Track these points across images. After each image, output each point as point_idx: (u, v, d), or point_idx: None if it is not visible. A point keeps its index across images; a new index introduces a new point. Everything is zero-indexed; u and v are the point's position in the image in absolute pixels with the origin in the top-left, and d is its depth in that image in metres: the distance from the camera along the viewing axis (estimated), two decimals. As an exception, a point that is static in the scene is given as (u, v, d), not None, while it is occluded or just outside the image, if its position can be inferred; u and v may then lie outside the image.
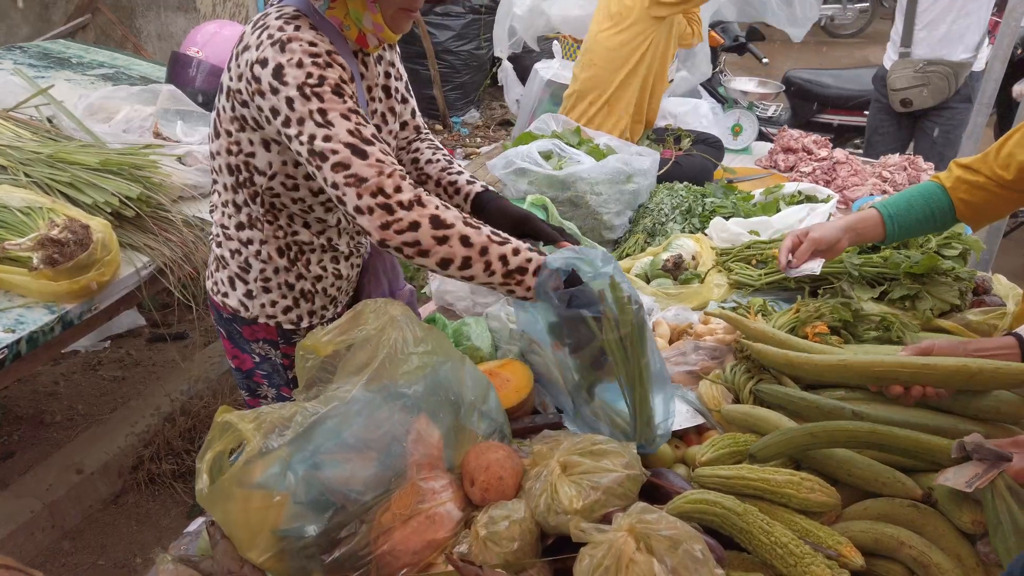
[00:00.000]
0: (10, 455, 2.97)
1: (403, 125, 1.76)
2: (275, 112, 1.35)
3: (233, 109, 1.45)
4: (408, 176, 1.33)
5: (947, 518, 1.16)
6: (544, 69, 4.31)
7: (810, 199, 2.53)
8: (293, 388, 1.79)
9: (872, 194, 2.79)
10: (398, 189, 1.30)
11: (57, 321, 1.85)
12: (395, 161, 1.33)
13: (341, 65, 1.38)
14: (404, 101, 1.73)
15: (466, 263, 1.31)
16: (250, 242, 1.62)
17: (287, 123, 1.34)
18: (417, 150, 1.78)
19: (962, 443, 1.13)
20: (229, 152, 1.52)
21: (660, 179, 2.68)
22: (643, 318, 1.32)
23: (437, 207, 1.31)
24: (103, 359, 3.57)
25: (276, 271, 1.65)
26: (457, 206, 1.68)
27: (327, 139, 1.30)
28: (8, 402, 3.22)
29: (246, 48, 1.38)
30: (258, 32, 1.38)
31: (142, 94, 2.82)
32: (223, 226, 1.65)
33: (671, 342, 1.78)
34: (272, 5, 1.45)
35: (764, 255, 2.05)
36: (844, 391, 1.53)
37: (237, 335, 1.75)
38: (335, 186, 1.31)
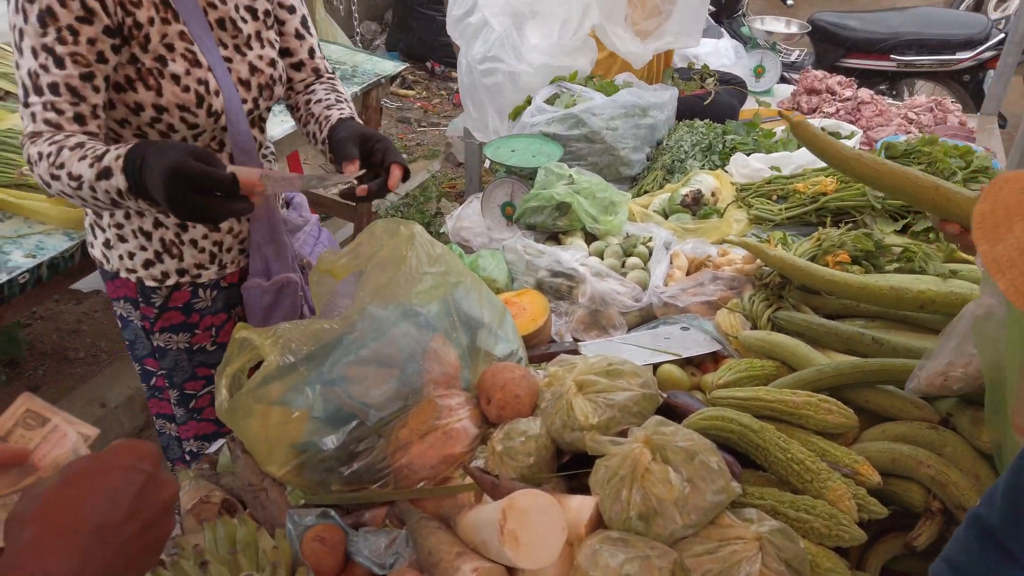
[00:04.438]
0: (35, 388, 3.03)
1: (299, 65, 1.63)
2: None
3: None
4: (48, 133, 1.28)
5: (965, 439, 1.16)
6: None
7: (833, 135, 2.47)
8: (160, 359, 1.63)
9: (897, 134, 2.72)
10: (21, 145, 1.31)
11: (77, 248, 1.86)
12: (50, 115, 1.28)
13: None
14: (300, 37, 1.60)
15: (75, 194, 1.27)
16: None
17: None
18: (312, 91, 1.64)
19: None
20: None
21: (679, 117, 2.63)
22: None
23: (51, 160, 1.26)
24: (123, 299, 3.61)
25: (128, 215, 1.49)
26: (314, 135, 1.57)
27: (17, 66, 1.31)
28: (33, 338, 3.27)
29: None
30: None
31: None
32: None
33: (688, 273, 1.77)
34: None
35: (785, 190, 2.01)
36: (864, 320, 1.52)
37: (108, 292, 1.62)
38: None
